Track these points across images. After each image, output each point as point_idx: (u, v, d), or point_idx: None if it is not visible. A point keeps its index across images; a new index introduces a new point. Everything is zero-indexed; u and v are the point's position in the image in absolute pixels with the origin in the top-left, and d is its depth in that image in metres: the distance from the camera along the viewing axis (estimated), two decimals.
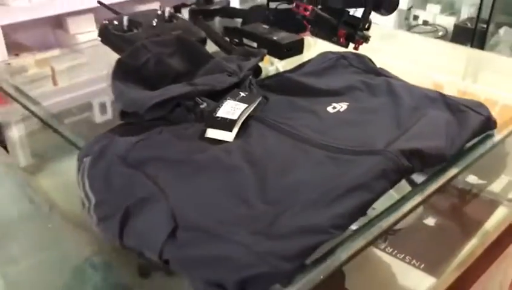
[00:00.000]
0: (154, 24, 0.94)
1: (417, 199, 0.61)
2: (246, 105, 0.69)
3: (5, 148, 0.99)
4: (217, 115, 0.68)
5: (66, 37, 2.04)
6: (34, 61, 1.82)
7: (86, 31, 2.04)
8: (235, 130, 0.66)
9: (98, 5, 2.04)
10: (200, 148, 0.63)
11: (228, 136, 0.65)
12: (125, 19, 0.92)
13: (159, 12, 0.98)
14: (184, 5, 1.15)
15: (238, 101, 0.70)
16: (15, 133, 1.02)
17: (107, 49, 1.07)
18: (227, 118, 0.67)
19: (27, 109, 0.84)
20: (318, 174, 0.57)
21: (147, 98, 0.68)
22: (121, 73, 0.75)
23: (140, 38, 0.88)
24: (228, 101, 0.70)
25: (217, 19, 1.16)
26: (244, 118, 0.67)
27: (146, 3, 2.18)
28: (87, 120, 1.03)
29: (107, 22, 0.95)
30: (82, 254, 0.75)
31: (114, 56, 1.10)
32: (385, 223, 0.57)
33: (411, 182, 0.65)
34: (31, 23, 1.88)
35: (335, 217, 0.51)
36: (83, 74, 1.43)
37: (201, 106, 0.70)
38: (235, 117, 0.67)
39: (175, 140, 0.65)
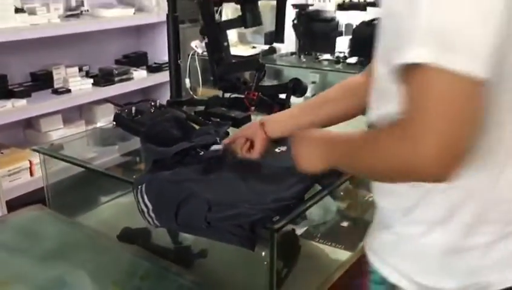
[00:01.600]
0: (152, 111, 1.42)
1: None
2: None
3: (44, 204, 1.37)
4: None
5: (38, 135, 2.41)
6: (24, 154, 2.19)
7: (56, 129, 2.44)
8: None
9: (66, 106, 2.47)
10: (208, 173, 1.10)
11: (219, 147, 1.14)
12: (133, 109, 1.39)
13: (152, 103, 1.46)
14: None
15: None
16: (56, 191, 1.40)
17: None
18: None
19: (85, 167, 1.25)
20: (279, 176, 1.06)
21: (170, 150, 1.14)
22: (146, 139, 1.21)
23: (146, 120, 1.36)
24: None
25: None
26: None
27: (102, 104, 2.64)
28: None
29: (119, 112, 1.40)
30: (127, 254, 1.15)
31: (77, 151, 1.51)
32: (304, 206, 1.05)
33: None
34: (7, 124, 2.24)
35: (292, 194, 1.00)
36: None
37: (200, 153, 1.17)
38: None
39: (191, 171, 1.11)
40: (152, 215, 1.04)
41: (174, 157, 1.14)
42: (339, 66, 2.92)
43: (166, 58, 2.98)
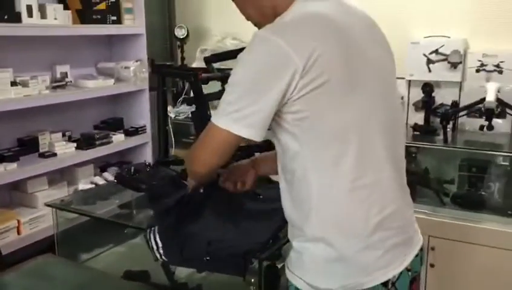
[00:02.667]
0: (148, 170, 1.67)
1: None
2: None
3: (53, 252, 1.57)
4: None
5: (25, 196, 2.58)
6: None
7: (41, 190, 2.61)
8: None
9: (52, 169, 2.65)
10: (204, 215, 1.35)
11: None
12: (132, 168, 1.63)
13: (147, 163, 1.71)
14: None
15: None
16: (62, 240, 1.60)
17: None
18: None
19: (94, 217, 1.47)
20: (260, 218, 1.33)
21: (171, 201, 1.39)
22: (149, 197, 1.46)
23: (143, 178, 1.60)
24: None
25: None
26: None
27: (83, 166, 2.84)
28: None
29: (119, 171, 1.64)
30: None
31: None
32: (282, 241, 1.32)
33: None
34: None
35: (273, 230, 1.26)
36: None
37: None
38: None
39: (191, 215, 1.36)
40: (161, 251, 1.28)
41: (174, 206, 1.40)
42: None
43: (141, 123, 3.28)
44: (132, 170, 1.65)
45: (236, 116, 1.06)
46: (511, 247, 2.41)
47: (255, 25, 1.25)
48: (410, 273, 1.16)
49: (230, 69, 1.12)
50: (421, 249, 1.24)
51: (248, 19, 1.25)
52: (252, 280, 1.22)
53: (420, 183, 2.72)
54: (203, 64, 3.21)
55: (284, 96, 1.03)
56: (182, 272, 1.50)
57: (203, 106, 1.65)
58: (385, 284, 1.10)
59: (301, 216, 1.11)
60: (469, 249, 2.50)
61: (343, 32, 1.09)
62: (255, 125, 1.05)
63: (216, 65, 1.88)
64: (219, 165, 1.18)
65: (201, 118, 1.64)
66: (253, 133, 1.06)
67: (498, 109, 2.54)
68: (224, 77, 1.69)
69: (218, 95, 1.74)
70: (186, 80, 1.71)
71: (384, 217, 1.10)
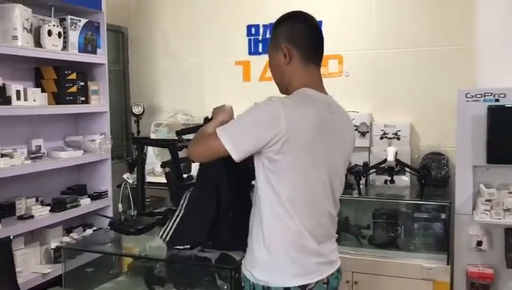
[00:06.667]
0: (134, 219, 2.14)
1: None
2: None
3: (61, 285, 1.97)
4: None
5: None
6: None
7: (18, 249, 2.94)
8: None
9: (29, 230, 3.03)
10: None
11: None
12: (123, 217, 2.11)
13: (132, 214, 2.18)
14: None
15: None
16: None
17: None
18: None
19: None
20: None
21: None
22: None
23: (131, 224, 2.08)
24: None
25: None
26: None
27: (53, 227, 3.20)
28: None
29: (113, 220, 2.11)
30: None
31: None
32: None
33: None
34: None
35: None
36: None
37: None
38: None
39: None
40: None
41: None
42: None
43: (102, 188, 3.69)
44: (122, 219, 2.11)
45: (231, 136, 1.57)
46: (416, 276, 3.04)
47: (277, 85, 1.79)
48: (326, 286, 1.66)
49: None
50: (338, 271, 1.75)
51: (274, 80, 1.79)
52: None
53: (343, 229, 3.34)
54: (158, 136, 3.79)
55: (266, 143, 1.54)
56: None
57: (178, 168, 2.18)
58: (303, 288, 1.59)
59: (257, 229, 1.64)
60: (386, 281, 3.10)
61: (323, 122, 1.64)
62: (239, 147, 1.57)
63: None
64: (203, 161, 1.77)
65: (176, 176, 2.16)
66: (235, 153, 1.57)
67: (398, 167, 3.26)
68: None
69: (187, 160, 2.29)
70: (167, 148, 2.23)
71: (309, 243, 1.63)
